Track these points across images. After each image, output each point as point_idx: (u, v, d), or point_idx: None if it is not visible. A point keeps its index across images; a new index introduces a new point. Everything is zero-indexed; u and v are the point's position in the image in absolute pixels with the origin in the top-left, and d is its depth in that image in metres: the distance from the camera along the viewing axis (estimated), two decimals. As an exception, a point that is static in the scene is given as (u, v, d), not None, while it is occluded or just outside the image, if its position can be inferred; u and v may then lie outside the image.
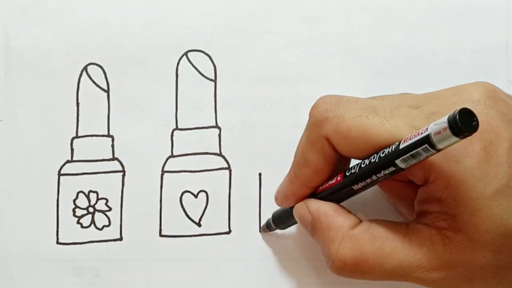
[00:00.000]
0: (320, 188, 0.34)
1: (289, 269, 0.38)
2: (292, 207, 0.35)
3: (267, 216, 0.38)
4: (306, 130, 0.33)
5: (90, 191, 0.39)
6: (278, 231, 0.38)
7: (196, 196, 0.39)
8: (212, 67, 0.40)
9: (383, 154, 0.29)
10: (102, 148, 0.39)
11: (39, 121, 0.39)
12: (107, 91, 0.40)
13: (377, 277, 0.31)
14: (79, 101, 0.39)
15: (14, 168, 0.39)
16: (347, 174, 0.32)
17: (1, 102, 0.39)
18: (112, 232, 0.39)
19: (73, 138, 0.39)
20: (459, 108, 0.25)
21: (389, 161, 0.29)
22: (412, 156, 0.27)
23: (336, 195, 0.33)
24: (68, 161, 0.39)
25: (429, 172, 0.29)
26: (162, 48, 0.40)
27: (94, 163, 0.39)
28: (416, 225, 0.31)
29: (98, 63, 0.40)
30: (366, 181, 0.31)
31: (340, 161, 0.33)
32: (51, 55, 0.39)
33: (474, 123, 0.25)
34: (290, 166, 0.38)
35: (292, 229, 0.38)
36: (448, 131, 0.25)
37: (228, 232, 0.39)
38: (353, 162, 0.32)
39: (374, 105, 0.31)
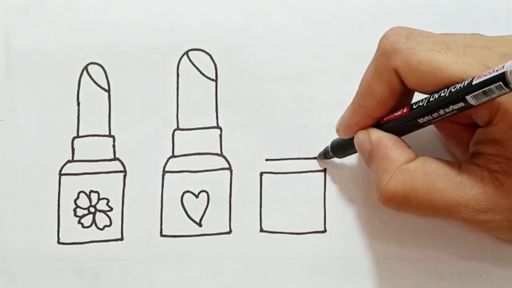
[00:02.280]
0: (385, 119, 0.34)
1: (289, 269, 0.39)
2: (352, 138, 0.35)
3: (268, 216, 0.39)
4: (374, 60, 0.33)
5: (91, 191, 0.39)
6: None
7: (197, 196, 0.39)
8: (213, 67, 0.40)
9: (454, 89, 0.29)
10: (103, 148, 0.39)
11: (40, 121, 0.39)
12: (108, 91, 0.39)
13: (424, 213, 0.32)
14: (80, 100, 0.39)
15: (15, 168, 0.39)
16: (414, 106, 0.32)
17: (1, 102, 0.39)
18: (113, 232, 0.39)
19: (74, 138, 0.39)
20: None
21: (459, 96, 0.29)
22: (484, 93, 0.27)
23: (400, 127, 0.33)
24: (69, 161, 0.39)
25: (496, 113, 0.29)
26: (163, 47, 0.39)
27: (95, 163, 0.39)
28: (468, 165, 0.31)
29: (99, 63, 0.39)
30: (433, 115, 0.31)
31: (404, 94, 0.33)
32: (52, 54, 0.39)
33: None
34: (290, 166, 0.39)
35: (292, 228, 0.39)
36: None
37: (229, 232, 0.39)
38: (416, 98, 0.32)
39: (447, 40, 0.31)
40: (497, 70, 0.27)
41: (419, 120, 0.32)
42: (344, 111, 0.36)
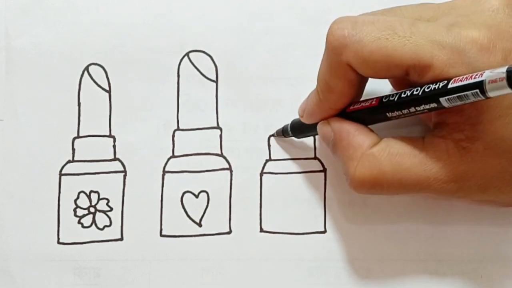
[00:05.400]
0: (351, 108, 0.34)
1: (289, 269, 0.39)
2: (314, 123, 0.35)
3: (268, 216, 0.39)
4: (325, 57, 0.33)
5: (91, 191, 0.39)
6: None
7: (197, 196, 0.39)
8: (214, 68, 0.40)
9: (428, 89, 0.29)
10: (103, 148, 0.39)
11: (40, 121, 0.39)
12: (109, 91, 0.40)
13: (396, 192, 0.32)
14: (81, 101, 0.39)
15: (15, 168, 0.39)
16: (384, 100, 0.32)
17: (2, 102, 0.39)
18: (113, 232, 0.39)
19: (74, 138, 0.39)
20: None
21: (433, 97, 0.29)
22: (459, 97, 0.28)
23: (367, 118, 0.33)
24: (69, 161, 0.39)
25: None
26: (163, 48, 0.40)
27: (96, 163, 0.39)
28: (432, 138, 0.32)
29: (100, 63, 0.40)
30: (403, 111, 0.31)
31: (363, 80, 0.33)
32: (53, 55, 0.39)
33: None
34: (290, 166, 0.39)
35: (292, 228, 0.39)
36: (505, 82, 0.25)
37: (229, 232, 0.39)
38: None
39: (392, 24, 0.31)
40: (475, 77, 0.27)
41: (387, 114, 0.32)
42: (307, 96, 0.36)
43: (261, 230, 0.39)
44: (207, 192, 0.39)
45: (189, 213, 0.39)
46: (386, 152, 0.32)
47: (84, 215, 0.39)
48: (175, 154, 0.39)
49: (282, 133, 0.38)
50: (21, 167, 0.39)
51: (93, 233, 0.39)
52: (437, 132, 0.32)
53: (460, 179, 0.31)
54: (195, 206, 0.39)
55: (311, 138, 0.39)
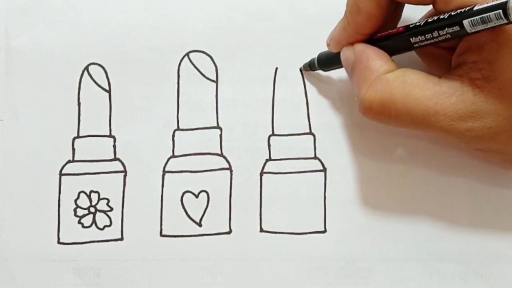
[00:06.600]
0: (379, 35, 0.34)
1: (289, 269, 0.39)
2: (339, 52, 0.35)
3: (268, 216, 0.39)
4: None
5: (91, 191, 0.39)
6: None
7: (197, 196, 0.39)
8: (214, 68, 0.40)
9: (454, 13, 0.29)
10: (103, 148, 0.39)
11: (40, 121, 0.39)
12: (109, 91, 0.40)
13: (403, 123, 0.32)
14: (81, 101, 0.39)
15: (16, 168, 0.39)
16: (411, 26, 0.32)
17: (2, 102, 0.39)
18: (113, 232, 0.39)
19: (74, 138, 0.39)
20: None
21: (457, 19, 0.29)
22: (482, 20, 0.28)
23: (391, 45, 0.33)
24: (69, 161, 0.39)
25: None
26: (163, 48, 0.40)
27: (96, 163, 0.39)
28: (449, 76, 0.31)
29: (100, 63, 0.40)
30: (426, 36, 0.31)
31: (392, 8, 0.33)
32: (53, 54, 0.39)
33: None
34: (289, 167, 0.39)
35: (292, 228, 0.39)
36: None
37: (229, 232, 0.39)
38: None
39: None
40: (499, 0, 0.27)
41: (411, 39, 0.32)
42: (335, 26, 0.36)
43: (261, 230, 0.39)
44: (207, 192, 0.39)
45: (189, 213, 0.39)
46: (400, 79, 0.32)
47: (84, 215, 0.39)
48: (175, 154, 0.39)
49: (309, 66, 0.38)
50: (21, 167, 0.39)
51: (93, 233, 0.39)
52: (454, 72, 0.32)
53: (470, 118, 0.30)
54: (195, 206, 0.39)
55: (311, 137, 0.39)
